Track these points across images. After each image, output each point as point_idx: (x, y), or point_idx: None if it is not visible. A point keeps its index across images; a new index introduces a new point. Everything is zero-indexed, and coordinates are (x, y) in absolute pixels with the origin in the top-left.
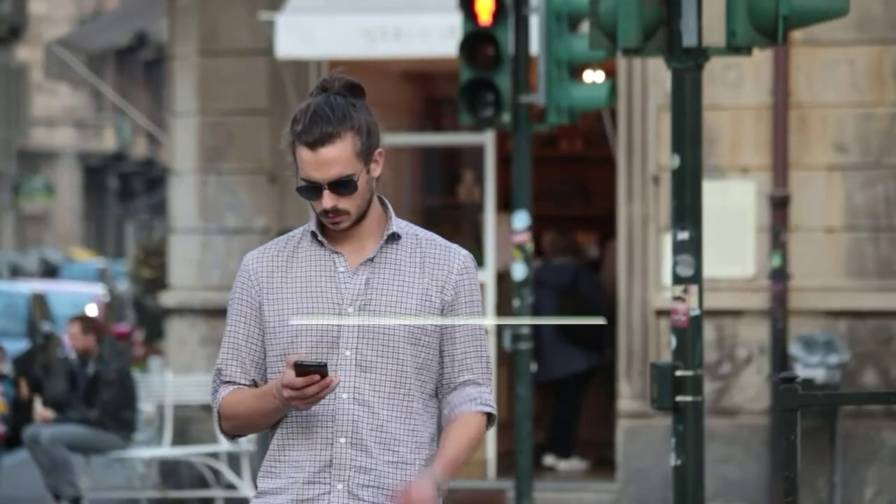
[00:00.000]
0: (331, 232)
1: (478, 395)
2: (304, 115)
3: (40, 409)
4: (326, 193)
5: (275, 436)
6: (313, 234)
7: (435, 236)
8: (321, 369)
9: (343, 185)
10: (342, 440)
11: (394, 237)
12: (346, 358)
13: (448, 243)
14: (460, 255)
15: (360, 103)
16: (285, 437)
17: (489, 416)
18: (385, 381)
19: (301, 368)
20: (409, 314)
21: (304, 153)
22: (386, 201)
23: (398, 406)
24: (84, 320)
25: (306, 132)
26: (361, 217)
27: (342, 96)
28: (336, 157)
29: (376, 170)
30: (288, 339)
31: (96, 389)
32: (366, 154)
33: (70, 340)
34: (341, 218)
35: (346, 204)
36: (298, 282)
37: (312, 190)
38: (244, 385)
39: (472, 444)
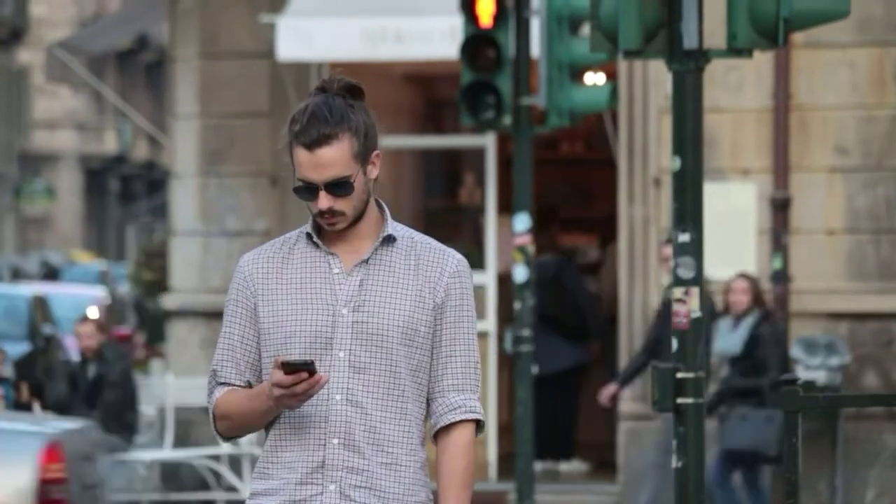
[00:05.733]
0: (326, 233)
1: (462, 403)
2: (301, 116)
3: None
4: (322, 194)
5: (268, 437)
6: (308, 236)
7: (430, 240)
8: (308, 367)
9: (339, 187)
10: (335, 441)
11: (389, 239)
12: (339, 359)
13: (443, 247)
14: (454, 258)
15: (358, 105)
16: (278, 439)
17: (477, 422)
18: (379, 382)
19: (288, 367)
20: (403, 315)
21: (301, 154)
22: (383, 204)
23: (392, 408)
24: (96, 321)
25: (304, 133)
26: (358, 219)
27: (341, 97)
28: (333, 158)
29: (373, 171)
30: (282, 341)
31: (99, 391)
32: (363, 156)
33: (83, 340)
34: (337, 219)
35: (342, 205)
36: (293, 283)
37: (309, 191)
38: (239, 386)
39: (468, 471)
